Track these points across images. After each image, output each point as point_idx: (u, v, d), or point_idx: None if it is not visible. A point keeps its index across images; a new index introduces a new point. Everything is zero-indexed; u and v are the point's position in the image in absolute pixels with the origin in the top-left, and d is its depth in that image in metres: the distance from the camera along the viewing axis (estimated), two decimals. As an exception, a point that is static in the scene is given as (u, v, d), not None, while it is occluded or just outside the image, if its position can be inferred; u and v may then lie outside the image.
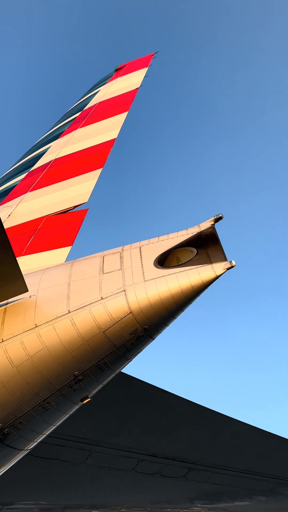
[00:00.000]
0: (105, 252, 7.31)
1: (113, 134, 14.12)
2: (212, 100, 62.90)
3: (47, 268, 7.70)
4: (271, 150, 59.45)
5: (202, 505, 13.12)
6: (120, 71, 19.93)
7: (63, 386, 6.30)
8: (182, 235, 7.00)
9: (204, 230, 6.81)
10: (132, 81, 17.85)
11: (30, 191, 12.93)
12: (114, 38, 65.59)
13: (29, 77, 67.30)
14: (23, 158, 17.09)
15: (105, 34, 66.77)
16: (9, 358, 6.15)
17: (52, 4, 63.87)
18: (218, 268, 6.37)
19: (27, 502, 11.41)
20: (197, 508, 13.16)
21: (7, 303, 6.73)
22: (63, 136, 15.93)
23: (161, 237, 7.21)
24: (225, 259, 6.49)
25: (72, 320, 6.23)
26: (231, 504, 13.34)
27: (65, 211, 11.32)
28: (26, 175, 14.48)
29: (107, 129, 14.52)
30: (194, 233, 6.88)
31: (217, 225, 6.81)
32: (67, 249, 9.88)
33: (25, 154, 17.63)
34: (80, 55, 66.40)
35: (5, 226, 5.84)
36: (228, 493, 12.53)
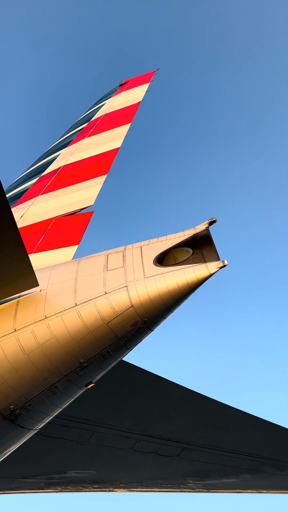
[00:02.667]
0: (109, 251, 7.31)
1: (117, 143, 14.10)
2: (211, 107, 62.81)
3: (56, 265, 7.70)
4: (266, 157, 59.39)
5: (193, 482, 13.14)
6: (124, 86, 19.90)
7: (70, 372, 6.31)
8: (179, 237, 7.01)
9: (199, 232, 6.82)
10: (135, 95, 17.83)
11: (41, 194, 12.92)
12: (119, 56, 65.46)
13: (43, 93, 67.21)
14: (35, 164, 17.08)
15: (111, 53, 66.63)
16: (21, 346, 6.16)
17: (66, 25, 63.69)
18: (211, 267, 6.39)
19: (35, 476, 11.44)
20: (188, 484, 13.19)
21: (19, 296, 6.73)
22: (71, 144, 15.91)
23: (160, 238, 7.22)
24: (218, 259, 6.51)
25: (78, 312, 6.23)
26: (220, 481, 13.36)
27: (72, 213, 11.31)
28: (38, 180, 14.47)
29: (112, 139, 14.51)
30: (190, 235, 6.89)
31: (211, 228, 6.82)
32: (74, 248, 9.87)
33: (36, 161, 17.62)
34: (88, 72, 66.27)
35: (18, 226, 5.84)
36: (217, 471, 12.56)
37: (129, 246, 7.28)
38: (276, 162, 58.90)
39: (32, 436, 7.23)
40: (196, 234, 6.83)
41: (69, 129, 18.82)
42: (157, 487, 13.18)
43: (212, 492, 13.49)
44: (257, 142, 60.02)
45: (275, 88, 58.75)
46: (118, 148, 13.85)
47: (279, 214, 56.68)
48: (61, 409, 7.02)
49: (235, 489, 13.70)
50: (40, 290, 6.70)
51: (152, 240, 7.24)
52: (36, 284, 6.49)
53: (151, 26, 62.98)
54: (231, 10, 57.96)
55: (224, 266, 6.33)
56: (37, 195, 12.99)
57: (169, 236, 7.16)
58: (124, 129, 14.91)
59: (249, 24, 58.55)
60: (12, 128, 65.04)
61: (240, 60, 60.87)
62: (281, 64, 57.33)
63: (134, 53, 64.77)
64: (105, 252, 7.29)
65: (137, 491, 12.87)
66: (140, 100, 17.19)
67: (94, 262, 7.10)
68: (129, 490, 12.75)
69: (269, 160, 59.44)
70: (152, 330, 6.54)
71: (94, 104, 20.19)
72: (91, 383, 6.70)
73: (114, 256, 7.09)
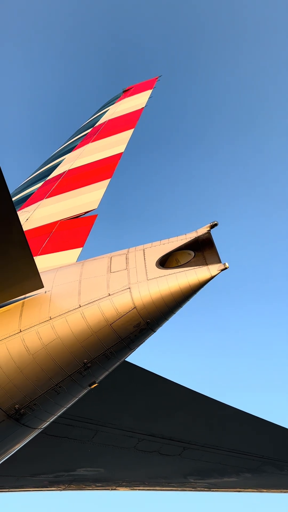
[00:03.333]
0: (113, 253, 7.31)
1: (121, 148, 14.12)
2: (211, 111, 62.88)
3: (60, 267, 7.70)
4: (267, 160, 59.41)
5: (194, 480, 13.10)
6: (127, 92, 19.94)
7: (74, 373, 6.31)
8: (181, 239, 7.01)
9: (201, 235, 6.82)
10: (138, 101, 17.85)
11: (46, 198, 12.94)
12: (123, 63, 65.68)
13: (48, 100, 67.46)
14: (40, 169, 17.10)
15: (115, 59, 66.84)
16: (26, 346, 6.15)
17: (72, 34, 63.95)
18: (213, 269, 6.38)
19: (39, 475, 11.43)
20: (190, 483, 13.15)
21: (25, 297, 6.73)
22: (76, 149, 15.94)
23: (163, 241, 7.21)
24: (220, 261, 6.50)
25: (82, 314, 6.23)
26: (221, 480, 13.31)
27: (77, 216, 11.31)
28: (43, 184, 14.49)
29: (115, 144, 14.52)
30: (192, 238, 6.89)
31: (212, 231, 6.82)
32: (78, 250, 9.87)
33: (42, 165, 17.65)
34: (92, 79, 66.50)
35: (24, 229, 5.84)
36: (218, 470, 12.52)
37: (132, 249, 7.27)
38: (277, 164, 58.90)
39: (37, 435, 7.22)
40: (198, 237, 6.83)
41: (73, 135, 18.85)
42: (159, 485, 13.14)
43: (213, 491, 13.44)
44: (257, 145, 60.04)
45: (274, 90, 58.74)
46: (122, 153, 13.87)
47: (280, 217, 56.64)
48: (65, 408, 7.01)
49: (236, 488, 13.65)
50: (45, 292, 6.70)
51: (154, 243, 7.24)
52: (41, 285, 6.50)
53: (154, 35, 63.23)
54: (230, 13, 58.11)
55: (226, 268, 6.32)
56: (42, 198, 13.01)
57: (171, 239, 7.16)
58: (127, 135, 14.92)
59: (248, 28, 58.68)
60: (18, 133, 65.21)
61: (240, 65, 60.98)
62: (281, 67, 57.38)
63: (137, 60, 64.98)
64: (108, 255, 7.29)
65: (139, 489, 12.84)
66: (143, 106, 17.21)
67: (98, 264, 7.10)
68: (131, 489, 12.71)
69: (270, 163, 59.45)
70: (155, 331, 6.53)
71: (98, 110, 20.24)
72: (94, 383, 6.70)
73: (118, 258, 7.09)
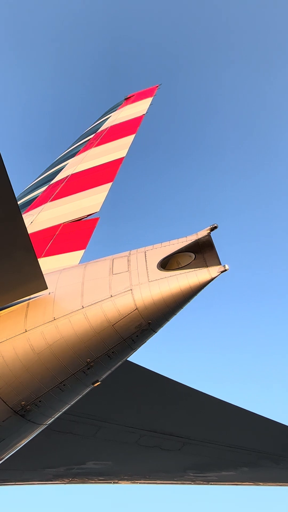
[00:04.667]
0: (115, 255, 7.27)
1: (122, 153, 14.08)
2: (210, 116, 62.93)
3: (64, 269, 7.66)
4: (266, 164, 59.46)
5: (193, 474, 13.08)
6: (129, 99, 19.91)
7: (77, 371, 6.27)
8: (182, 242, 6.96)
9: (201, 237, 6.77)
10: (139, 108, 17.82)
11: (50, 201, 12.90)
12: (125, 72, 65.77)
13: (52, 107, 67.59)
14: (44, 173, 17.08)
15: (117, 68, 66.96)
16: (31, 346, 6.13)
17: (79, 46, 64.04)
18: (213, 271, 6.33)
19: (44, 469, 11.41)
20: (189, 477, 13.13)
21: (29, 299, 6.69)
22: (79, 154, 15.90)
23: (164, 243, 7.16)
24: (220, 264, 6.45)
25: (85, 315, 6.19)
26: (219, 474, 13.29)
27: (79, 219, 11.27)
28: (47, 188, 14.45)
29: (117, 149, 14.48)
30: (192, 240, 6.83)
31: (212, 234, 6.76)
32: (81, 252, 9.83)
33: (46, 170, 17.62)
34: (95, 87, 66.63)
35: (28, 231, 5.81)
36: (217, 464, 12.50)
37: (133, 251, 7.23)
38: (276, 169, 58.93)
39: (42, 430, 7.19)
40: (198, 239, 6.77)
41: (76, 140, 18.82)
42: (159, 479, 13.12)
43: (211, 484, 13.40)
44: (257, 148, 60.06)
45: (274, 95, 58.73)
46: (123, 157, 13.83)
47: (279, 219, 56.67)
48: (69, 405, 6.98)
49: (234, 482, 13.61)
50: (49, 293, 6.67)
51: (156, 245, 7.19)
52: (45, 287, 6.46)
53: (155, 45, 63.32)
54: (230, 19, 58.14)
55: (225, 270, 6.27)
56: (46, 202, 12.97)
57: (172, 242, 7.11)
58: (128, 140, 14.88)
59: (246, 35, 58.72)
60: (24, 139, 65.24)
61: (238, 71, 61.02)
62: (280, 75, 57.38)
63: (138, 69, 65.07)
64: (110, 257, 7.25)
65: (140, 483, 12.81)
66: (144, 113, 17.18)
67: (100, 266, 7.06)
68: (132, 482, 12.69)
69: (269, 167, 59.48)
70: (156, 332, 6.48)
71: (101, 116, 20.21)
72: (97, 381, 6.66)
73: (119, 260, 7.04)
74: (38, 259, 6.08)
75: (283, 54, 56.01)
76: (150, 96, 19.07)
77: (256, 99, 60.38)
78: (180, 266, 6.70)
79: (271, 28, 56.21)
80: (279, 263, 56.72)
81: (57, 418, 7.15)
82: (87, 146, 16.22)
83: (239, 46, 59.38)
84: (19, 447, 7.40)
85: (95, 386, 6.74)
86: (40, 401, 6.33)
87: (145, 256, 6.95)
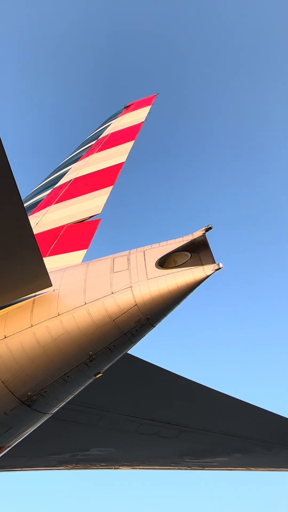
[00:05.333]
0: (115, 255, 7.26)
1: (122, 158, 14.06)
2: (205, 123, 62.92)
3: (67, 267, 7.65)
4: (258, 170, 59.48)
5: (190, 460, 13.08)
6: (128, 108, 19.87)
7: (80, 363, 6.27)
8: (179, 242, 6.96)
9: (197, 237, 6.77)
10: (138, 116, 17.79)
11: (54, 204, 12.88)
12: (125, 82, 65.74)
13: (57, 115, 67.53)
14: (49, 177, 17.05)
15: (117, 78, 66.93)
16: (37, 340, 6.12)
17: (81, 56, 63.96)
18: (208, 269, 6.34)
19: (49, 455, 11.41)
20: (185, 462, 13.13)
21: (35, 295, 6.69)
22: (81, 159, 15.88)
23: (161, 243, 7.16)
24: (214, 262, 6.46)
25: (88, 310, 6.19)
26: (213, 460, 13.28)
27: (82, 221, 11.25)
28: (51, 191, 14.43)
29: (117, 154, 14.46)
30: (188, 240, 6.83)
31: (207, 234, 6.76)
32: (84, 252, 9.82)
33: (50, 174, 17.59)
34: (97, 96, 66.60)
35: (34, 232, 5.79)
36: (211, 450, 12.49)
37: (133, 251, 7.23)
38: (266, 175, 58.95)
39: (47, 419, 7.19)
40: (194, 239, 6.77)
41: (79, 146, 18.79)
42: (158, 465, 13.12)
43: (206, 469, 13.41)
44: (249, 154, 60.08)
45: (271, 91, 58.58)
46: (123, 162, 13.81)
47: (269, 221, 56.72)
48: (72, 395, 6.97)
49: (227, 467, 13.62)
50: (54, 290, 6.66)
51: (154, 245, 7.19)
52: (49, 284, 6.47)
53: (154, 56, 63.32)
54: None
55: (220, 268, 6.28)
56: (51, 204, 12.95)
57: (169, 242, 7.11)
58: (128, 146, 14.86)
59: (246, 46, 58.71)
60: (31, 145, 65.16)
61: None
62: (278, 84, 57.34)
63: (138, 79, 65.06)
64: (111, 256, 7.24)
65: (139, 468, 12.82)
66: (143, 120, 17.15)
67: (102, 265, 7.06)
68: (132, 468, 12.69)
69: (260, 174, 59.52)
70: (154, 326, 6.48)
71: (102, 124, 20.17)
72: (99, 373, 6.66)
73: (120, 259, 7.04)
74: (43, 258, 6.08)
75: (281, 63, 55.91)
76: (149, 104, 19.05)
77: (253, 101, 60.36)
78: (177, 265, 6.70)
79: (269, 37, 56.18)
80: (271, 260, 56.79)
81: (61, 407, 7.15)
82: (89, 151, 16.20)
83: (236, 54, 59.34)
84: (26, 435, 7.40)
85: (97, 378, 6.74)
86: (45, 391, 6.33)
87: (144, 255, 6.95)
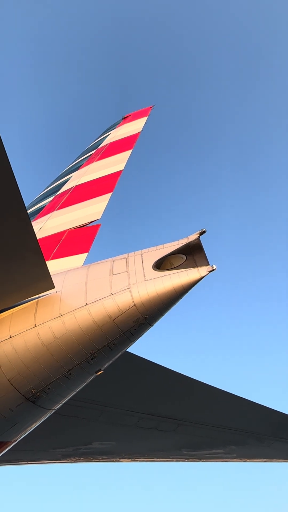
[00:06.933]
0: (114, 258, 7.25)
1: (121, 166, 14.07)
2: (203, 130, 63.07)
3: (69, 270, 7.64)
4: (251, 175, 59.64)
5: (187, 452, 13.05)
6: (126, 119, 19.91)
7: (82, 361, 6.26)
8: (175, 245, 6.96)
9: (192, 241, 6.77)
10: (135, 126, 17.83)
11: (57, 210, 12.88)
12: (123, 94, 65.90)
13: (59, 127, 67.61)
14: (51, 185, 17.05)
15: (115, 91, 67.08)
16: (40, 339, 6.11)
17: (81, 67, 64.10)
18: (202, 270, 6.33)
19: (53, 449, 11.36)
20: (183, 454, 13.10)
21: (38, 297, 6.68)
22: (82, 168, 15.89)
23: (158, 246, 7.16)
24: (208, 264, 6.46)
25: (89, 311, 6.18)
26: (210, 452, 13.25)
27: (83, 226, 11.25)
28: (53, 198, 14.42)
29: (116, 163, 14.48)
30: (183, 243, 6.83)
31: (201, 237, 6.77)
32: (84, 255, 9.81)
33: (52, 182, 17.58)
34: (96, 107, 66.77)
35: (37, 237, 5.78)
36: (207, 443, 12.47)
37: (131, 254, 7.22)
38: (261, 173, 59.11)
39: (51, 415, 7.16)
40: (189, 242, 6.77)
41: (79, 155, 18.81)
42: (157, 457, 13.07)
43: (203, 461, 13.37)
44: (244, 159, 60.24)
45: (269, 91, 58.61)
46: (121, 170, 13.82)
47: (261, 224, 56.84)
48: (75, 392, 6.95)
49: (223, 459, 13.58)
50: (56, 292, 6.65)
51: (151, 248, 7.18)
52: (52, 286, 6.45)
53: (151, 67, 63.54)
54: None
55: (213, 270, 6.28)
56: (53, 210, 12.94)
57: (165, 245, 7.10)
58: (126, 155, 14.89)
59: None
60: (34, 155, 65.20)
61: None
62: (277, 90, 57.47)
63: (135, 91, 65.23)
64: (111, 259, 7.24)
65: (139, 461, 12.77)
66: (140, 130, 17.19)
67: (102, 267, 7.05)
68: (132, 460, 12.64)
69: (253, 177, 59.67)
70: (152, 325, 6.47)
71: (101, 134, 20.20)
72: (100, 370, 6.64)
73: (119, 262, 7.03)
74: (46, 262, 6.07)
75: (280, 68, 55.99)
76: (145, 115, 19.09)
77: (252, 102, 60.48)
78: (173, 267, 6.70)
79: (268, 44, 56.40)
80: (264, 260, 56.91)
81: (64, 403, 7.12)
82: (89, 160, 16.21)
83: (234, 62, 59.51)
84: (31, 430, 7.37)
85: (98, 375, 6.72)
86: (49, 388, 6.31)
87: (142, 258, 6.95)
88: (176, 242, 7.00)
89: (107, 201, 12.08)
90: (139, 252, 7.18)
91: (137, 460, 12.67)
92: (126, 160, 14.48)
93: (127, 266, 6.85)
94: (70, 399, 7.12)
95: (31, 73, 62.21)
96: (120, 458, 12.37)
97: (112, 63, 64.38)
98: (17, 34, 57.61)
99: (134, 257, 7.03)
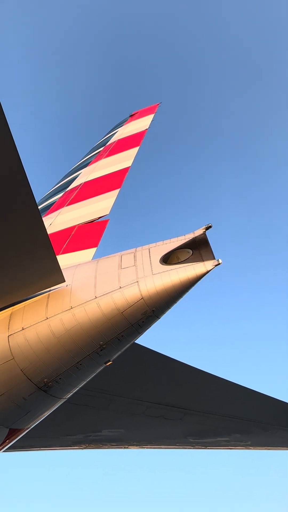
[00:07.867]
0: (123, 252, 7.26)
1: (128, 163, 14.03)
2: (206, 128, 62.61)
3: (79, 264, 7.66)
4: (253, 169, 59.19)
5: (193, 440, 13.10)
6: (133, 116, 19.81)
7: (92, 353, 6.29)
8: (181, 240, 6.94)
9: (198, 235, 6.74)
10: (142, 124, 17.73)
11: (66, 206, 12.89)
12: (131, 92, 65.57)
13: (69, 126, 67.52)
14: (61, 181, 17.06)
15: (124, 90, 66.75)
16: (52, 331, 6.15)
17: (87, 69, 63.83)
18: (208, 265, 6.31)
19: (64, 436, 11.48)
20: (189, 442, 13.15)
21: (50, 290, 6.71)
22: (90, 164, 15.87)
23: (165, 241, 7.14)
24: (214, 258, 6.43)
25: (98, 304, 6.20)
26: (214, 439, 13.29)
27: (92, 221, 11.26)
28: (63, 194, 14.44)
29: (124, 159, 14.43)
30: (190, 238, 6.81)
31: (207, 232, 6.74)
32: (93, 250, 9.83)
33: (62, 178, 17.59)
34: (104, 106, 66.53)
35: (48, 232, 5.81)
36: (213, 431, 12.50)
37: (139, 248, 7.22)
38: (263, 170, 58.63)
39: (62, 403, 7.23)
40: (195, 237, 6.75)
41: (88, 152, 18.78)
42: (164, 444, 13.14)
43: (208, 448, 13.42)
44: (248, 161, 59.75)
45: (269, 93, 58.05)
46: (129, 167, 13.79)
47: (264, 219, 56.47)
48: (85, 382, 7.00)
49: (228, 446, 13.62)
50: (67, 285, 6.68)
51: (158, 243, 7.17)
52: (63, 280, 6.48)
53: (157, 67, 63.10)
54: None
55: (219, 264, 6.25)
56: (63, 206, 12.96)
57: (172, 240, 7.09)
58: (133, 151, 14.83)
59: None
60: (43, 152, 65.26)
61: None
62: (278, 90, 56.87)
63: (142, 90, 64.87)
64: (119, 253, 7.24)
65: (147, 448, 12.85)
66: (147, 127, 17.11)
67: (110, 261, 7.06)
68: (140, 447, 12.73)
69: (257, 171, 59.22)
70: (159, 318, 6.48)
71: (109, 131, 20.14)
72: (109, 361, 6.67)
73: (127, 256, 7.04)
74: (57, 256, 6.10)
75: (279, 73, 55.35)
76: (152, 113, 18.97)
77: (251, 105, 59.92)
78: (180, 261, 6.69)
79: (268, 46, 55.71)
80: (268, 259, 56.59)
81: (75, 392, 7.18)
82: (98, 157, 16.19)
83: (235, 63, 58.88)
84: (43, 418, 7.45)
85: (107, 365, 6.76)
86: (60, 378, 6.36)
87: (149, 253, 6.94)
88: (182, 237, 6.99)
89: (115, 197, 12.07)
90: (146, 246, 7.18)
91: (144, 447, 12.76)
92: (134, 157, 14.43)
93: (135, 260, 6.85)
94: (80, 388, 7.18)
95: (40, 71, 62.09)
96: (129, 445, 12.46)
97: (124, 63, 64.05)
98: (34, 30, 57.41)
99: (142, 252, 7.03)
